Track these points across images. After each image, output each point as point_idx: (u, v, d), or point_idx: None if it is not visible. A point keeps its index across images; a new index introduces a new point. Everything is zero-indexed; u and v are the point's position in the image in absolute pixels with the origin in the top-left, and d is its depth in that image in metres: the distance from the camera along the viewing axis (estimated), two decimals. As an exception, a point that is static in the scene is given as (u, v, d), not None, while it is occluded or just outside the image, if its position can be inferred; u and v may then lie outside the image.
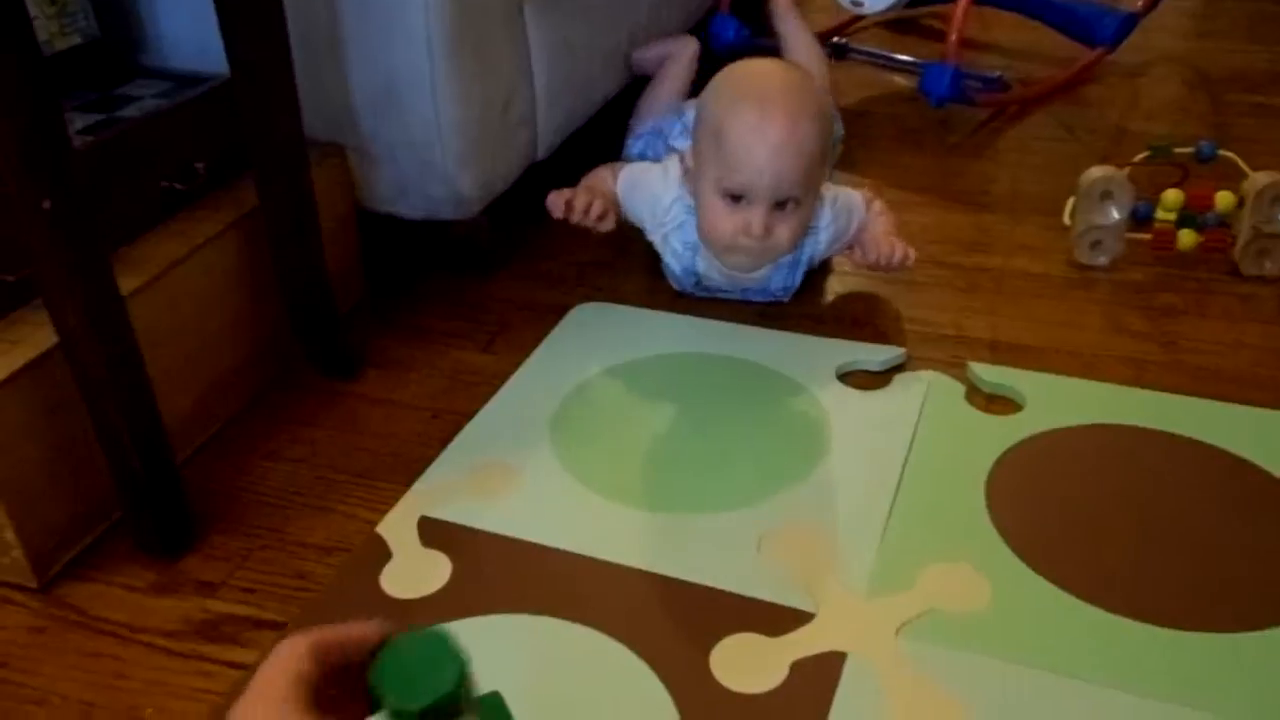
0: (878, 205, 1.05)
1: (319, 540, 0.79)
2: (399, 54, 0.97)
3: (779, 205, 0.91)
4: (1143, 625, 0.69)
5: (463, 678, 0.44)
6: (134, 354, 0.73)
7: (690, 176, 0.97)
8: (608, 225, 1.01)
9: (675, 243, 1.02)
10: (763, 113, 0.89)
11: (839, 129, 1.22)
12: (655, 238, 1.04)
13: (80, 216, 0.67)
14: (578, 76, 1.19)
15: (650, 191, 1.03)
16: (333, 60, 0.99)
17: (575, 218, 0.99)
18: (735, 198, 0.91)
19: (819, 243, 1.00)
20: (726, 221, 0.93)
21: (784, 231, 0.93)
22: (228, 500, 0.83)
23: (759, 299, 1.05)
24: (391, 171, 1.04)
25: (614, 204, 1.03)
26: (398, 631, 0.46)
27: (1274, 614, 0.69)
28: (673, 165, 1.02)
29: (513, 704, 0.48)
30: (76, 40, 0.94)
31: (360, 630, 0.45)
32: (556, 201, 0.99)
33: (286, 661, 0.43)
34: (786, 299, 1.06)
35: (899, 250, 0.99)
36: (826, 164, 0.95)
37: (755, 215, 0.91)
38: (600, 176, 1.07)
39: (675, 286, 1.07)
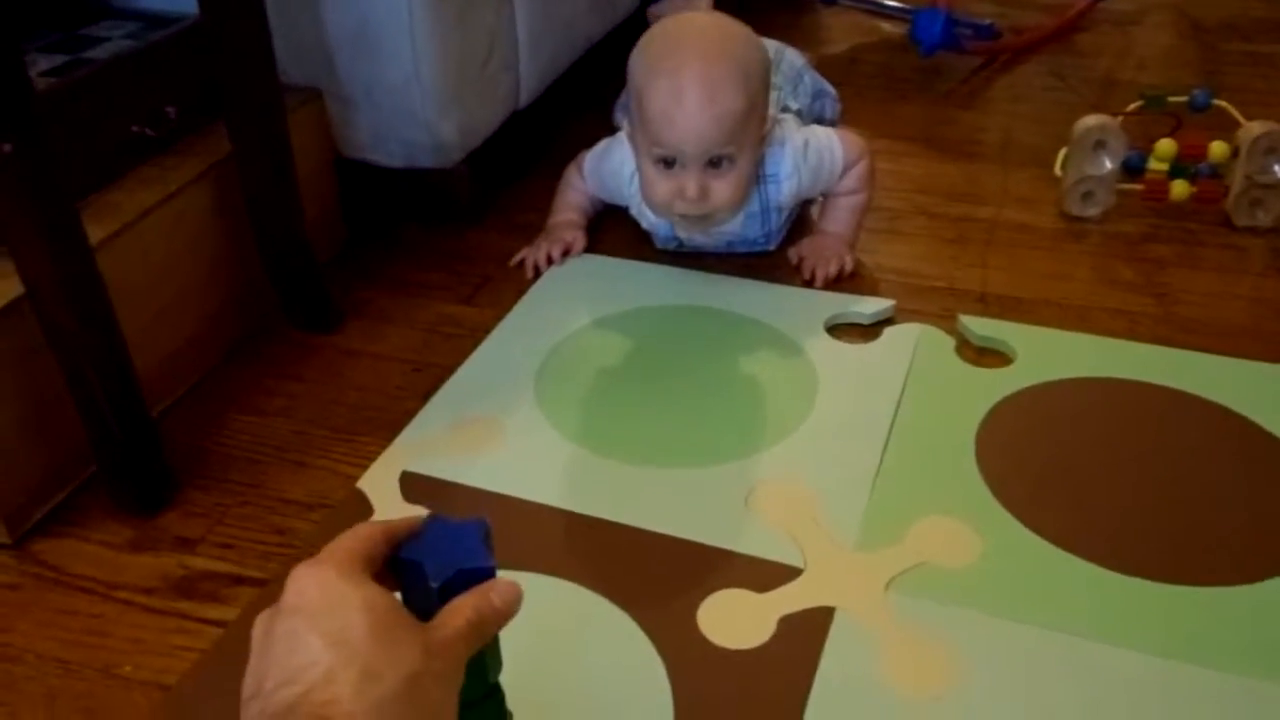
0: (853, 179, 0.99)
1: (299, 496, 0.78)
2: (376, -6, 0.94)
3: (713, 164, 0.89)
4: (1134, 579, 0.68)
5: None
6: (104, 306, 0.71)
7: (630, 139, 0.95)
8: (576, 251, 1.03)
9: (648, 211, 1.00)
10: (677, 80, 0.86)
11: (833, 96, 1.19)
12: (632, 209, 1.02)
13: (44, 161, 0.64)
14: (562, 20, 1.16)
15: (611, 169, 1.01)
16: (307, 1, 0.96)
17: (545, 268, 1.02)
18: (668, 164, 0.90)
19: (780, 191, 0.97)
20: (662, 187, 0.91)
21: (722, 189, 0.90)
22: (206, 455, 0.82)
23: (744, 249, 1.04)
24: (370, 117, 1.01)
25: (579, 231, 1.04)
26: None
27: (1266, 567, 0.69)
28: (623, 135, 0.99)
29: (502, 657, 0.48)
30: (39, -22, 0.90)
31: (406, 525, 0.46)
32: (527, 265, 1.03)
33: (363, 540, 0.44)
34: (772, 247, 1.04)
35: (832, 271, 0.98)
36: (764, 113, 0.92)
37: (689, 179, 0.89)
38: (568, 183, 1.07)
39: (660, 247, 1.05)
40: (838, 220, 1.02)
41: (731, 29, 0.92)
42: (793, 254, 1.02)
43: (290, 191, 0.90)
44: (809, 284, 0.99)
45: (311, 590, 0.41)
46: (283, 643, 0.40)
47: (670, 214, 0.94)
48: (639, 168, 0.94)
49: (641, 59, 0.91)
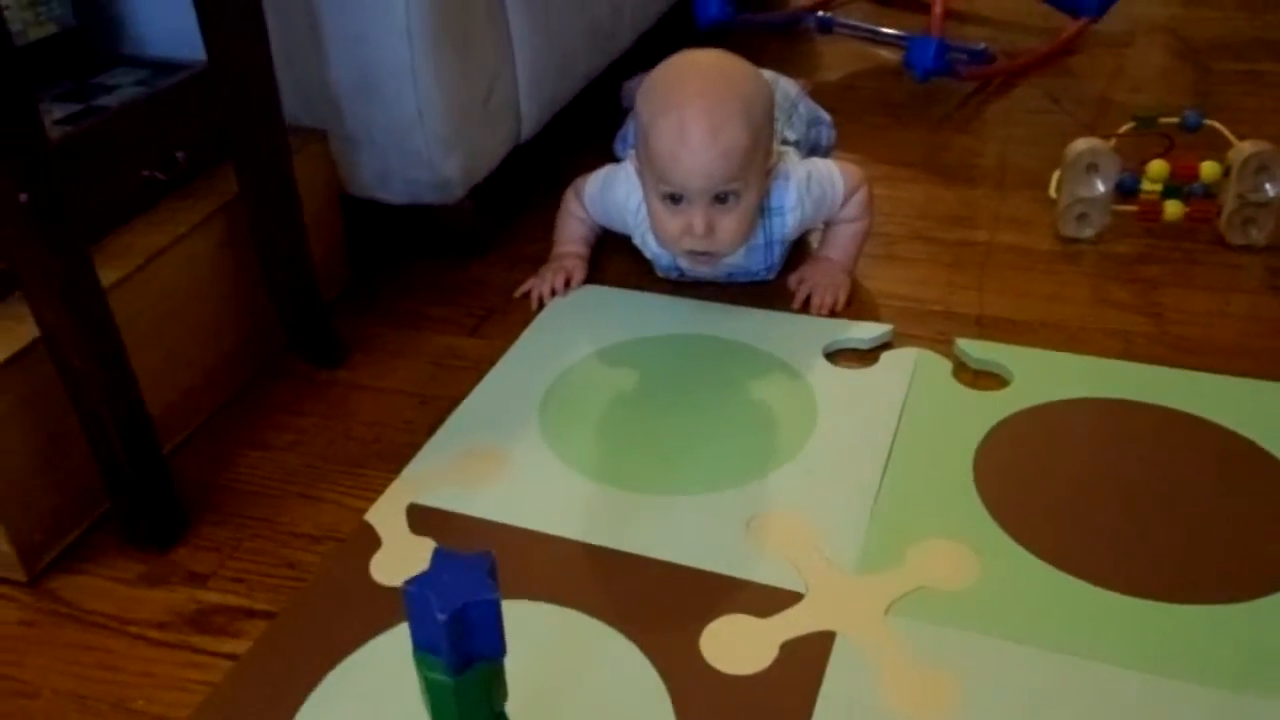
0: (854, 206, 1.01)
1: (308, 529, 0.79)
2: (379, 39, 0.96)
3: (719, 200, 0.91)
4: (1131, 599, 0.69)
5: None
6: (117, 347, 0.72)
7: (639, 175, 0.97)
8: (576, 282, 1.05)
9: (651, 242, 1.02)
10: (681, 119, 0.88)
11: (828, 123, 1.21)
12: (635, 239, 1.04)
13: (58, 209, 0.66)
14: (561, 56, 1.18)
15: (615, 199, 1.03)
16: (312, 45, 0.98)
17: (549, 300, 1.04)
18: (675, 200, 0.92)
19: (785, 225, 0.99)
20: (670, 223, 0.93)
21: (728, 225, 0.92)
22: (216, 491, 0.83)
23: (745, 279, 1.05)
24: (374, 157, 1.03)
25: (580, 261, 1.07)
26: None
27: (1261, 585, 0.70)
28: (629, 165, 1.01)
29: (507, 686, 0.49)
30: (52, 29, 0.93)
31: None
32: (531, 296, 1.05)
33: None
34: (772, 277, 1.05)
35: (827, 301, 1.00)
36: (769, 148, 0.94)
37: (695, 216, 0.91)
38: (567, 212, 1.08)
39: (661, 276, 1.07)
40: (838, 247, 1.04)
41: (734, 66, 0.94)
42: (793, 280, 1.03)
43: (297, 231, 0.92)
44: (805, 309, 1.01)
45: None
46: None
47: (679, 249, 0.95)
48: (647, 203, 0.96)
49: (646, 98, 0.93)
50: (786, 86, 1.15)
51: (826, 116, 1.20)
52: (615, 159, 1.14)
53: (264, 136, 0.86)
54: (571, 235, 1.08)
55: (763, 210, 0.97)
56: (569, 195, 1.09)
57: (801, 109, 1.15)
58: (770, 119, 0.94)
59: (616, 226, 1.06)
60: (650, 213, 0.95)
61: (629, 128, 1.20)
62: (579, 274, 1.06)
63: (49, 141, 0.65)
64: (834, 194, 1.00)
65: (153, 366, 0.80)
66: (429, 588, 0.45)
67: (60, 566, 0.77)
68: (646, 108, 0.92)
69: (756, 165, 0.92)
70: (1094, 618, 0.68)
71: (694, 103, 0.89)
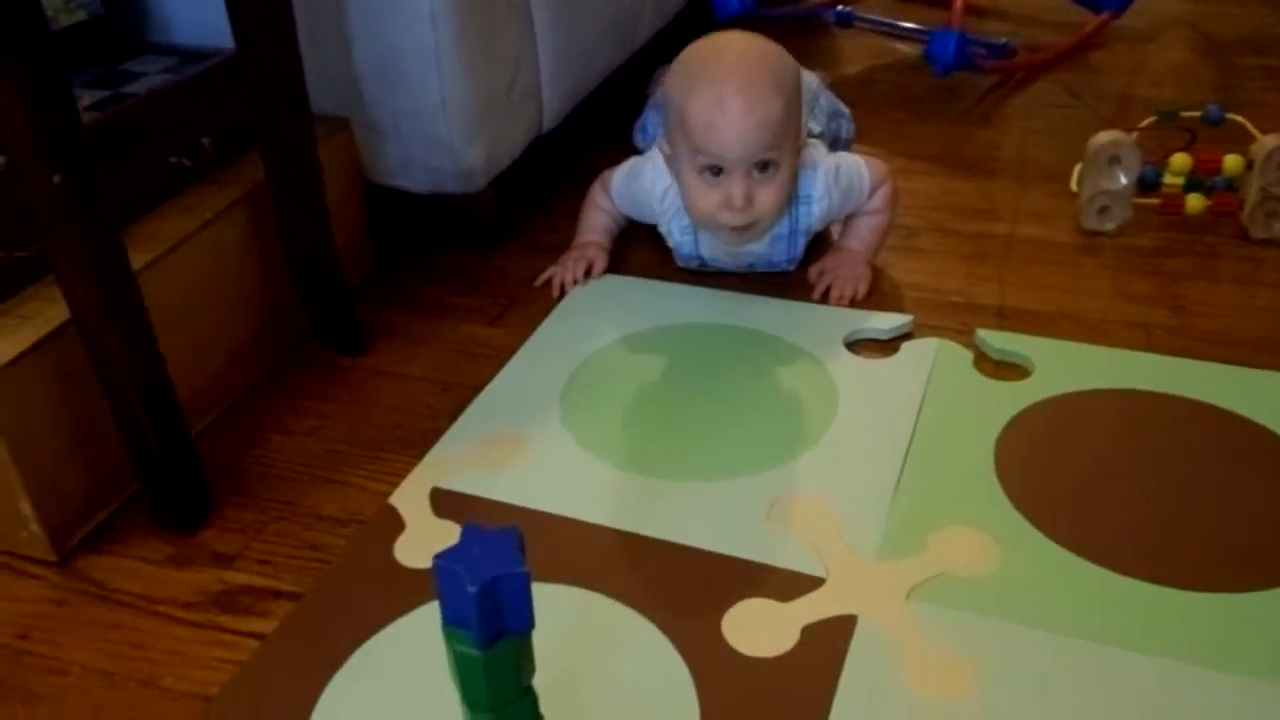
0: (879, 200, 1.02)
1: (332, 512, 0.80)
2: (402, 27, 0.97)
3: (759, 169, 0.92)
4: (1152, 587, 0.69)
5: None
6: (146, 329, 0.73)
7: (669, 161, 0.98)
8: (598, 271, 1.06)
9: (675, 229, 1.02)
10: (719, 91, 0.89)
11: (847, 116, 1.21)
12: (660, 226, 1.04)
13: (90, 192, 0.67)
14: (583, 47, 1.18)
15: (641, 186, 1.03)
16: (337, 34, 0.99)
17: (570, 288, 1.05)
18: (714, 172, 0.92)
19: (813, 214, 1.00)
20: (708, 197, 0.93)
21: (766, 197, 0.93)
22: (242, 474, 0.84)
23: (765, 270, 1.06)
24: (397, 145, 1.04)
25: (602, 251, 1.07)
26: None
27: (1282, 574, 0.70)
28: (657, 154, 1.01)
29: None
30: (82, 16, 0.94)
31: None
32: (553, 284, 1.06)
33: None
34: (792, 269, 1.06)
35: (847, 294, 1.00)
36: (800, 124, 0.96)
37: (735, 186, 0.91)
38: (592, 203, 1.09)
39: (681, 265, 1.07)
40: (859, 238, 1.04)
41: (762, 43, 0.95)
42: (813, 271, 1.04)
43: (321, 218, 0.92)
44: (824, 300, 1.01)
45: None
46: None
47: (716, 225, 0.96)
48: (681, 184, 0.96)
49: (680, 77, 0.94)
50: (808, 79, 1.15)
51: (846, 110, 1.21)
52: (635, 151, 1.15)
53: (290, 124, 0.87)
54: (594, 225, 1.09)
55: (790, 199, 0.98)
56: (595, 188, 1.09)
57: (823, 101, 1.15)
58: (799, 95, 0.95)
59: (642, 215, 1.06)
60: (685, 190, 0.95)
61: (647, 118, 1.21)
62: (600, 263, 1.06)
63: (82, 125, 0.66)
64: (861, 187, 1.01)
65: (179, 351, 0.81)
66: (459, 561, 0.46)
67: (89, 547, 0.78)
68: (681, 85, 0.93)
69: (791, 137, 0.93)
70: (1114, 604, 0.68)
71: (730, 75, 0.90)
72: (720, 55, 0.93)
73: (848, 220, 1.05)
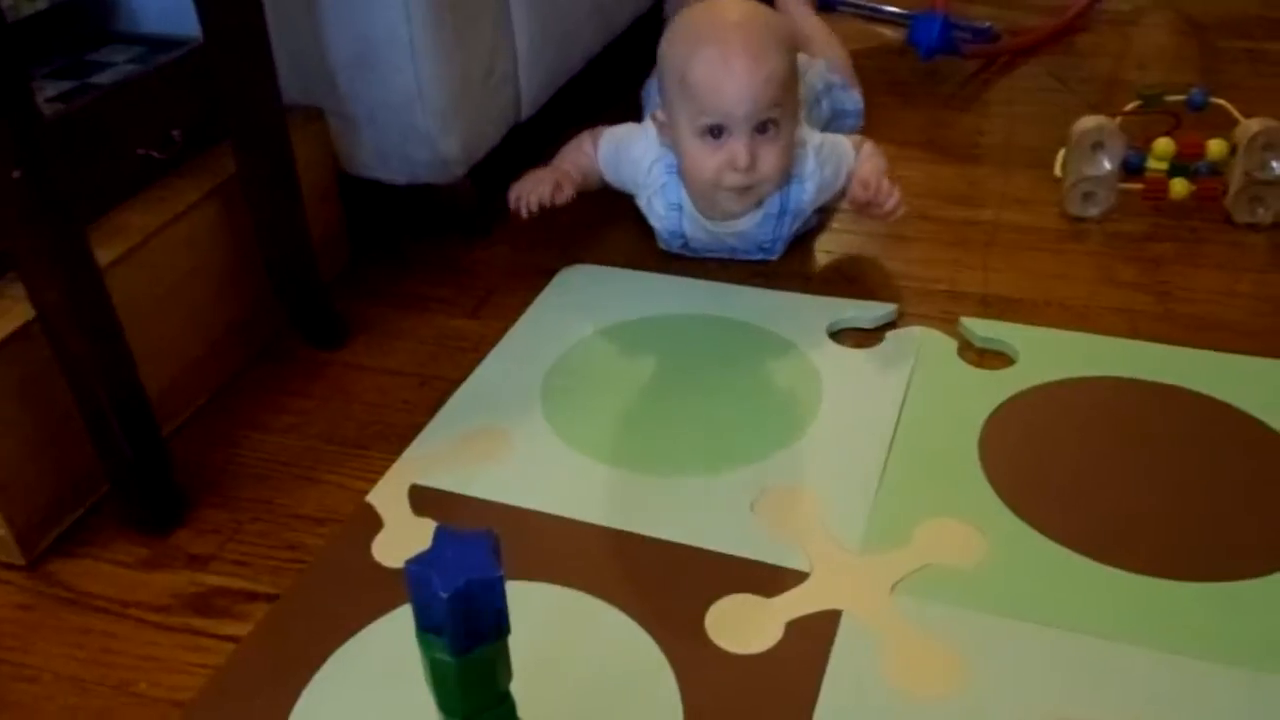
0: (868, 148, 1.04)
1: (310, 511, 0.78)
2: (376, 14, 0.95)
3: (760, 130, 0.91)
4: (1139, 576, 0.69)
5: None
6: (114, 327, 0.72)
7: (665, 130, 0.97)
8: (563, 197, 1.02)
9: (659, 205, 1.01)
10: (723, 50, 0.89)
11: (854, 110, 1.21)
12: (641, 201, 1.03)
13: (53, 187, 0.65)
14: (560, 34, 1.17)
15: (631, 155, 1.02)
16: (309, 22, 0.97)
17: (532, 208, 1.01)
18: (715, 134, 0.91)
19: (804, 191, 0.99)
20: (710, 160, 0.92)
21: (770, 157, 0.92)
22: (217, 473, 0.83)
23: (747, 257, 1.04)
24: (372, 135, 1.02)
25: (571, 180, 1.03)
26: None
27: (1271, 562, 0.69)
28: (651, 126, 1.00)
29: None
30: (43, 5, 0.91)
31: None
32: (516, 200, 1.02)
33: None
34: (775, 256, 1.04)
35: (888, 191, 0.96)
36: (798, 90, 0.95)
37: (738, 146, 0.91)
38: (577, 145, 1.07)
39: (663, 247, 1.06)
40: (865, 167, 1.01)
41: (759, 6, 0.95)
42: (855, 188, 0.98)
43: (295, 210, 0.91)
44: (863, 207, 0.97)
45: None
46: None
47: (718, 190, 0.94)
48: (680, 151, 0.95)
49: (678, 40, 0.94)
50: (813, 79, 1.14)
51: (854, 106, 1.20)
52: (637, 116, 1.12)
53: (261, 114, 0.85)
54: (571, 160, 1.06)
55: (790, 169, 0.97)
56: (584, 135, 1.07)
57: (824, 105, 1.15)
58: (796, 58, 0.95)
59: (623, 183, 1.04)
60: (685, 157, 0.95)
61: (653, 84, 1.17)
62: (568, 189, 1.02)
63: (42, 118, 0.64)
64: (846, 154, 1.01)
65: (150, 348, 0.79)
66: (431, 566, 0.45)
67: (59, 550, 0.76)
68: (680, 48, 0.93)
69: (792, 97, 0.93)
70: (1100, 595, 0.68)
71: (732, 34, 0.90)
72: (721, 16, 0.93)
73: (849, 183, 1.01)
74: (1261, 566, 0.69)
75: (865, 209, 0.99)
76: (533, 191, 1.02)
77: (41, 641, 0.69)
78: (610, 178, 1.06)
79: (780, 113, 0.91)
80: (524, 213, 1.02)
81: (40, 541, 0.76)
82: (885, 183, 0.97)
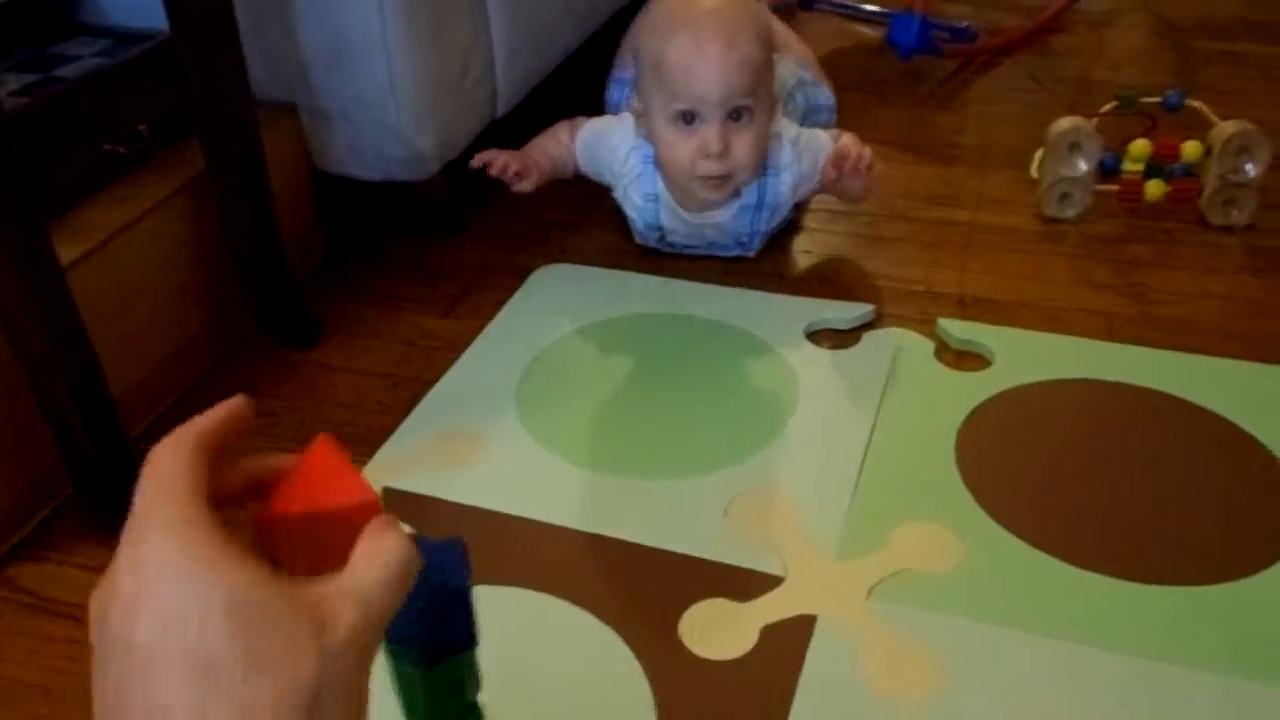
0: (847, 138, 1.01)
1: (279, 513, 0.77)
2: (349, 8, 0.93)
3: (733, 118, 0.90)
4: (1115, 581, 0.69)
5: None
6: (77, 327, 0.70)
7: (641, 120, 0.96)
8: (524, 187, 1.01)
9: (635, 195, 1.00)
10: (697, 35, 0.89)
11: (827, 105, 1.20)
12: (617, 192, 1.02)
13: (14, 182, 0.63)
14: (538, 29, 1.15)
15: (608, 145, 1.01)
16: (281, 16, 0.95)
17: (493, 172, 1.00)
18: (688, 120, 0.91)
19: (782, 183, 0.98)
20: (684, 146, 0.92)
21: (742, 145, 0.92)
22: (184, 474, 0.81)
23: (724, 253, 1.04)
24: (346, 131, 1.01)
25: (539, 170, 1.02)
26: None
27: (1245, 565, 0.70)
28: (628, 115, 1.00)
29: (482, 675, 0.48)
30: (7, -3, 0.90)
31: (226, 409, 0.35)
32: (481, 157, 1.01)
33: (174, 472, 0.32)
34: (752, 253, 1.04)
35: (865, 155, 0.95)
36: (773, 82, 0.95)
37: (710, 132, 0.90)
38: (553, 134, 1.06)
39: (640, 242, 1.05)
40: (845, 140, 0.99)
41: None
42: (826, 167, 0.97)
43: (265, 207, 0.89)
44: (841, 173, 0.95)
45: (157, 581, 0.29)
46: (124, 668, 0.29)
47: (691, 177, 0.94)
48: (655, 139, 0.95)
49: (653, 26, 0.93)
50: (785, 74, 1.13)
51: (826, 101, 1.19)
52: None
53: (230, 109, 0.84)
54: (542, 148, 1.05)
55: (765, 160, 0.96)
56: (560, 124, 1.06)
57: (799, 98, 1.14)
58: (772, 46, 0.95)
59: (599, 174, 1.04)
60: (660, 143, 0.94)
61: (620, 78, 1.16)
62: (533, 176, 1.02)
63: (2, 111, 0.63)
64: (825, 148, 0.99)
65: (116, 348, 0.78)
66: None
67: (22, 554, 0.74)
68: (655, 34, 0.92)
69: (766, 86, 0.92)
70: (1076, 600, 0.68)
71: (707, 19, 0.90)
72: (696, 3, 0.93)
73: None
74: (1235, 570, 0.69)
75: (841, 176, 0.96)
76: (500, 160, 1.01)
77: (4, 649, 0.68)
78: (586, 167, 1.05)
79: (754, 100, 0.91)
80: (493, 171, 1.00)
81: (2, 545, 0.74)
82: (866, 151, 0.96)
